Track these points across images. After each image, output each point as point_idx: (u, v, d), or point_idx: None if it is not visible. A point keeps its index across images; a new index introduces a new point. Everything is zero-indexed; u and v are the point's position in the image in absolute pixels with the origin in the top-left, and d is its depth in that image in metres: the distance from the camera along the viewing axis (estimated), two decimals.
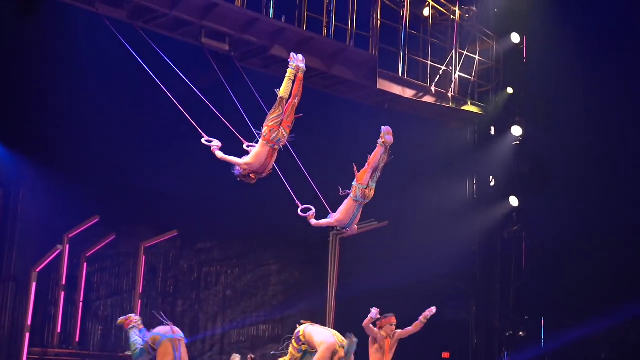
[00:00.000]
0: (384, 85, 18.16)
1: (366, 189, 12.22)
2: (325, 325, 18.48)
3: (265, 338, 21.88)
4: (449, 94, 19.28)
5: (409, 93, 18.72)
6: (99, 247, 20.04)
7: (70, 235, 19.28)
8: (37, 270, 18.83)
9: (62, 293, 19.47)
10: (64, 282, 19.54)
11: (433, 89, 18.93)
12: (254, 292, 22.13)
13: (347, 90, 18.29)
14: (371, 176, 12.30)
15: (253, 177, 11.01)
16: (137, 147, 19.18)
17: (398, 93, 18.47)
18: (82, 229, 19.16)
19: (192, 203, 20.16)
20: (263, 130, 10.90)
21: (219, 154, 11.12)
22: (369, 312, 15.45)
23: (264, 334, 21.88)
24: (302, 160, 19.79)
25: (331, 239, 18.57)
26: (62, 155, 18.79)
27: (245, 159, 10.91)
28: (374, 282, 19.68)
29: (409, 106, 19.17)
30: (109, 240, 19.99)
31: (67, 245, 19.32)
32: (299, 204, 12.30)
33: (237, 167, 10.96)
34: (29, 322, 18.24)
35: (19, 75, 17.09)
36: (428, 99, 19.04)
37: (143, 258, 20.47)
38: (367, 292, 19.97)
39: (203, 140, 11.51)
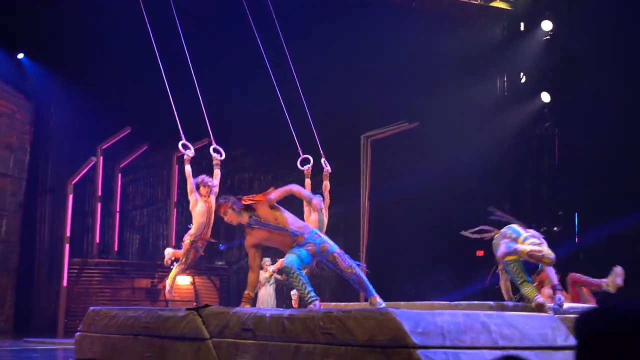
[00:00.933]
0: None
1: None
2: (361, 229, 18.67)
3: None
4: None
5: None
6: (132, 157, 20.22)
7: (103, 147, 19.44)
8: (73, 182, 19.07)
9: (99, 204, 19.75)
10: (99, 194, 19.79)
11: None
12: (288, 197, 22.22)
13: None
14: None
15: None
16: (166, 58, 19.12)
17: None
18: (115, 140, 19.30)
19: (221, 112, 20.19)
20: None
21: (187, 168, 11.60)
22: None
23: None
24: (329, 68, 19.77)
25: (362, 142, 18.55)
26: (92, 68, 18.82)
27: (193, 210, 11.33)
28: (407, 184, 19.75)
29: (436, 5, 18.93)
30: (141, 150, 20.15)
31: (101, 157, 19.51)
32: (301, 153, 12.46)
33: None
34: (68, 234, 18.56)
35: None
36: None
37: (176, 167, 20.62)
38: (400, 195, 20.07)
39: (179, 144, 11.67)
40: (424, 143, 19.71)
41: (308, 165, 12.33)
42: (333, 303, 13.45)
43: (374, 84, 19.75)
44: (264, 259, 18.46)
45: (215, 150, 11.99)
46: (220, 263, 21.12)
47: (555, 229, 19.36)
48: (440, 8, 19.13)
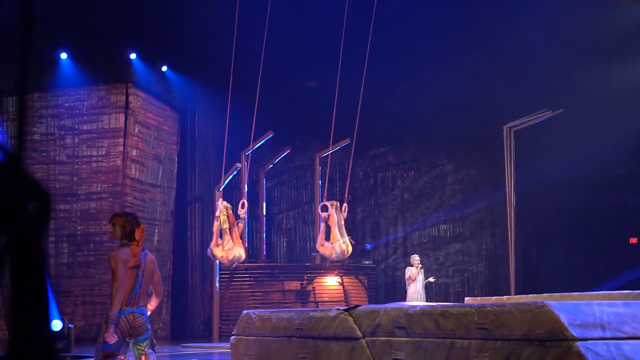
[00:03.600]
0: None
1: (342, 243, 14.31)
2: (507, 222, 18.38)
3: (447, 237, 21.94)
4: None
5: None
6: (275, 161, 20.51)
7: (247, 153, 19.78)
8: (220, 189, 19.48)
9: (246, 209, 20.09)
10: (246, 198, 20.14)
11: None
12: (431, 193, 22.15)
13: None
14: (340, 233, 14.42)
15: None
16: (305, 62, 19.33)
17: None
18: (258, 145, 19.61)
19: (361, 111, 20.26)
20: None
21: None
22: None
23: (446, 234, 21.93)
24: (471, 57, 19.53)
25: (505, 132, 18.24)
26: (232, 75, 19.17)
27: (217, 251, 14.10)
28: (552, 174, 19.32)
29: None
30: (284, 154, 20.41)
31: (246, 162, 19.85)
32: (320, 200, 14.50)
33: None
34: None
35: (184, 4, 17.46)
36: None
37: (319, 169, 20.80)
38: (545, 185, 19.65)
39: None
40: (568, 131, 19.23)
41: (326, 213, 14.63)
42: (481, 297, 13.26)
43: (514, 73, 19.40)
44: (412, 255, 18.42)
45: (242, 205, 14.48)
46: (367, 262, 21.18)
47: None
48: None
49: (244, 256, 14.26)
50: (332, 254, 14.84)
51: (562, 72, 19.26)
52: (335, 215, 14.72)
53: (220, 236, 14.16)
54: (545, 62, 19.36)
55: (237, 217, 14.55)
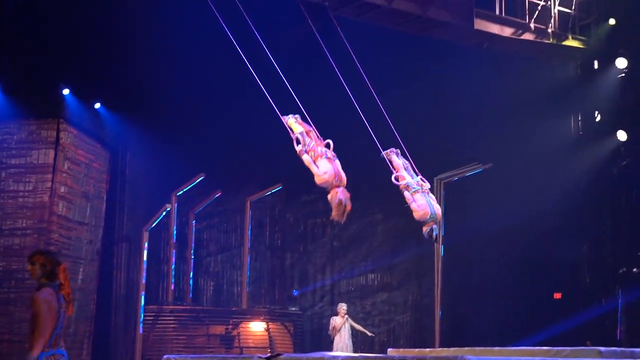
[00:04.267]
0: (482, 25, 17.81)
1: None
2: (435, 273, 18.50)
3: (374, 287, 21.99)
4: (549, 30, 18.80)
5: (507, 31, 18.32)
6: (205, 204, 20.38)
7: (177, 194, 19.64)
8: (148, 229, 19.27)
9: (174, 251, 19.93)
10: (174, 240, 19.98)
11: (532, 25, 18.48)
12: (360, 242, 22.21)
13: (444, 32, 18.01)
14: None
15: (343, 207, 11.49)
16: (239, 105, 19.33)
17: (496, 32, 18.11)
18: (189, 186, 19.50)
19: (294, 156, 20.26)
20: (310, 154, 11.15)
21: (306, 158, 11.50)
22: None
23: (373, 283, 21.97)
24: (403, 108, 19.73)
25: (435, 184, 18.42)
26: (166, 116, 19.10)
27: (321, 171, 11.39)
28: (481, 226, 19.53)
29: (508, 45, 18.78)
30: (215, 196, 20.31)
31: (175, 204, 19.70)
32: (394, 171, 12.16)
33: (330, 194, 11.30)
34: (144, 281, 18.74)
35: (120, 41, 17.35)
36: (527, 36, 18.62)
37: (249, 213, 20.73)
38: (474, 236, 19.84)
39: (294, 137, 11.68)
40: (498, 184, 19.50)
41: (404, 182, 12.17)
42: (404, 349, 13.32)
43: (446, 126, 19.65)
44: (339, 304, 18.39)
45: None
46: (293, 309, 21.09)
47: (634, 269, 18.94)
48: (512, 48, 19.00)
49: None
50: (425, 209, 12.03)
51: (494, 126, 19.56)
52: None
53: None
54: (477, 115, 19.67)
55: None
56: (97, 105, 18.85)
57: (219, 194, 20.31)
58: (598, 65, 19.82)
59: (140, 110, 18.82)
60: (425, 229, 11.80)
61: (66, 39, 16.73)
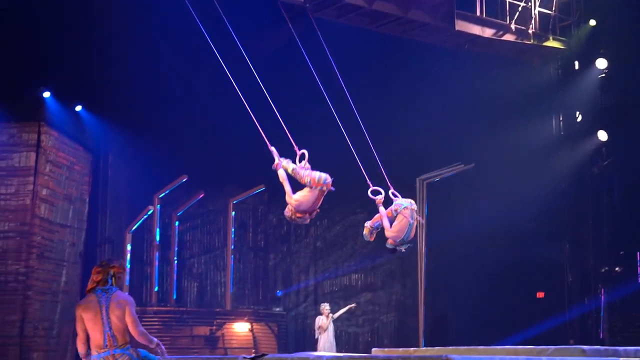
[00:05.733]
0: (463, 26, 17.86)
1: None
2: (418, 273, 18.56)
3: (358, 287, 22.03)
4: (530, 31, 18.88)
5: (488, 32, 18.37)
6: (188, 205, 20.38)
7: (160, 196, 19.65)
8: (131, 231, 19.26)
9: (157, 253, 19.92)
10: (157, 242, 19.98)
11: (513, 26, 18.54)
12: (344, 242, 22.25)
13: (425, 34, 18.06)
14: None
15: (300, 216, 10.84)
16: (220, 106, 19.33)
17: (477, 33, 18.16)
18: (171, 188, 19.51)
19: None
20: (308, 180, 10.81)
21: (281, 173, 11.00)
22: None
23: (357, 283, 22.02)
24: (385, 109, 19.79)
25: (418, 184, 18.48)
26: (147, 118, 19.08)
27: (296, 197, 10.77)
28: (463, 227, 19.58)
29: (489, 46, 18.85)
30: (197, 198, 20.31)
31: (158, 206, 19.71)
32: (370, 184, 12.15)
33: (287, 208, 10.79)
34: (127, 283, 18.73)
35: (102, 44, 17.33)
36: (508, 37, 18.68)
37: (232, 214, 20.75)
38: (456, 237, 19.90)
39: (369, 191, 11.92)
40: (480, 184, 19.59)
41: (380, 196, 12.04)
42: (389, 349, 13.35)
43: (428, 126, 19.69)
44: (322, 304, 18.41)
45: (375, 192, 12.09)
46: (277, 309, 21.12)
47: (617, 269, 19.05)
48: (492, 49, 19.07)
49: (330, 179, 11.46)
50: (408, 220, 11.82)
51: (476, 127, 19.63)
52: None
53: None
54: (459, 116, 19.72)
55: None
56: (78, 108, 18.83)
57: (202, 195, 20.32)
58: (579, 65, 19.93)
59: (122, 112, 18.80)
60: (391, 243, 11.81)
61: (46, 42, 16.70)
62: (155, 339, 7.12)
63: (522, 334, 18.11)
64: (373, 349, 13.09)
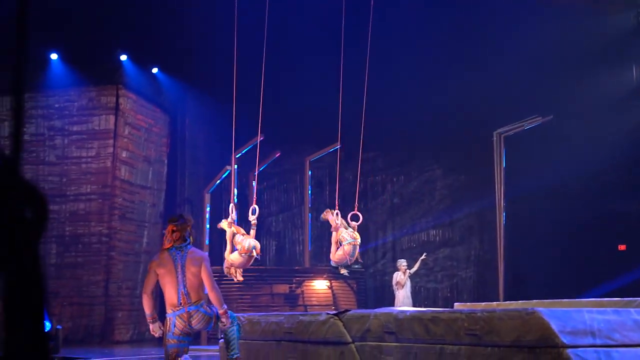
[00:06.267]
0: None
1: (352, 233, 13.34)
2: (497, 228, 18.39)
3: (436, 242, 21.95)
4: None
5: None
6: (265, 164, 20.50)
7: (237, 155, 19.76)
8: (209, 191, 19.45)
9: (235, 212, 20.06)
10: (235, 202, 20.12)
11: None
12: (420, 198, 22.17)
13: None
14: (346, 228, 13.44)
15: (233, 273, 12.69)
16: (296, 66, 19.35)
17: None
18: (248, 148, 19.61)
19: (351, 115, 20.27)
20: (240, 247, 12.60)
21: (228, 233, 12.98)
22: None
23: (435, 239, 21.95)
24: (461, 63, 19.58)
25: (495, 138, 18.27)
26: (222, 79, 19.17)
27: (231, 258, 12.65)
28: (542, 180, 19.35)
29: None
30: (274, 157, 20.40)
31: (235, 166, 19.84)
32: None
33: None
34: (207, 242, 18.97)
35: (176, 6, 17.43)
36: None
37: (308, 173, 20.80)
38: (535, 191, 19.68)
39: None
40: (558, 137, 19.28)
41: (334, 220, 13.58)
42: (470, 303, 13.28)
43: (504, 79, 19.43)
44: (399, 260, 18.41)
45: (253, 211, 13.72)
46: (356, 266, 21.16)
47: None
48: None
49: (259, 246, 13.20)
50: (346, 256, 13.33)
51: (553, 78, 19.31)
52: (334, 220, 13.71)
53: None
54: (535, 68, 19.41)
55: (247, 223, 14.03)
56: (155, 70, 19.02)
57: (278, 154, 20.40)
58: None
59: (197, 73, 18.94)
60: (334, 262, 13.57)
61: (122, 6, 16.86)
62: (225, 306, 7.18)
63: (603, 287, 17.88)
64: (455, 304, 13.05)
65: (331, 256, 13.39)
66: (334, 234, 13.35)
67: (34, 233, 1.54)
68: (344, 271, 13.88)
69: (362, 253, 22.02)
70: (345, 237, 13.22)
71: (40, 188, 1.58)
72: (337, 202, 15.23)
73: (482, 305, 11.49)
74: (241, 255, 12.50)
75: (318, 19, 15.10)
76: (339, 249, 13.16)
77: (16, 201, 1.51)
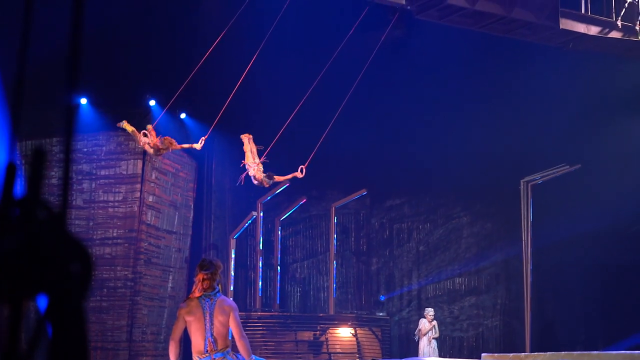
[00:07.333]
0: (567, 24, 17.48)
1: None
2: (524, 277, 18.24)
3: (462, 291, 21.80)
4: (637, 27, 18.41)
5: (593, 30, 17.95)
6: (291, 210, 20.49)
7: (263, 201, 19.78)
8: (235, 237, 19.45)
9: (260, 258, 20.07)
10: (260, 247, 20.13)
11: (619, 23, 18.07)
12: (446, 246, 22.06)
13: (528, 33, 17.73)
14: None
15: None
16: (322, 111, 19.38)
17: (582, 31, 17.76)
18: (274, 194, 19.61)
19: (378, 161, 20.27)
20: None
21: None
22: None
23: (460, 287, 21.80)
24: (488, 111, 19.57)
25: (522, 186, 18.22)
26: (249, 124, 19.24)
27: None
28: (569, 229, 19.23)
29: (594, 44, 18.41)
30: (300, 203, 20.40)
31: (261, 211, 19.85)
32: None
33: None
34: (232, 288, 18.94)
35: (204, 52, 17.56)
36: (614, 34, 18.22)
37: (334, 219, 20.77)
38: (562, 239, 19.55)
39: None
40: (586, 185, 19.19)
41: None
42: (498, 354, 13.14)
43: (533, 127, 19.41)
44: (427, 309, 18.28)
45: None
46: (381, 314, 21.05)
47: None
48: (598, 47, 18.64)
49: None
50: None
51: (581, 126, 19.27)
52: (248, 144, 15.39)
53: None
54: (563, 116, 19.39)
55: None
56: (183, 116, 19.12)
57: (304, 200, 20.39)
58: None
59: (224, 119, 19.01)
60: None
61: (152, 51, 17.02)
62: (254, 356, 7.15)
63: (633, 339, 17.64)
64: (483, 355, 12.90)
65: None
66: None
67: (80, 290, 1.52)
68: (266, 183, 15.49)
69: (387, 300, 21.92)
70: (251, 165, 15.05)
71: (85, 244, 1.56)
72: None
73: (511, 356, 11.36)
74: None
75: (342, 61, 15.16)
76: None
77: (63, 256, 1.49)
